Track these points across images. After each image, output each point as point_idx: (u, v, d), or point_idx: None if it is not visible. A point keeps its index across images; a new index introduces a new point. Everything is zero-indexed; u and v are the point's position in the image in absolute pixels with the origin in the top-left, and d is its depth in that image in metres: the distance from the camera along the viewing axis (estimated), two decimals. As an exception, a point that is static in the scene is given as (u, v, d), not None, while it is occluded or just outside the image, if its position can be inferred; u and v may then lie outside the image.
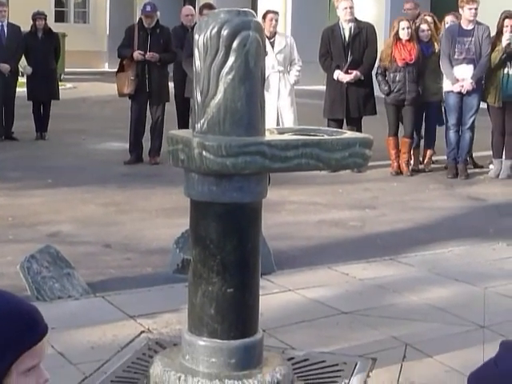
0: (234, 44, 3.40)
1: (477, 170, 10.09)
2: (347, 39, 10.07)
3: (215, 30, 3.41)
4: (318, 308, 4.98)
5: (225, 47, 3.40)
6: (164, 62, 10.51)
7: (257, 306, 3.71)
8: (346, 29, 10.09)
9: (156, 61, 10.29)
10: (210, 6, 10.64)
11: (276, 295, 5.20)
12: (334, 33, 10.18)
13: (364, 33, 10.13)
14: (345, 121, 10.20)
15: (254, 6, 22.57)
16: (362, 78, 10.01)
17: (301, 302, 5.13)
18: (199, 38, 3.47)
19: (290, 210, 7.98)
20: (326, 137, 3.69)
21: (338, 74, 10.02)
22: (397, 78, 9.70)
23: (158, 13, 10.64)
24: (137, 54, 10.23)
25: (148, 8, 10.48)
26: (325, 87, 10.53)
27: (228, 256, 3.55)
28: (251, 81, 3.44)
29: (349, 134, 4.06)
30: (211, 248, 3.56)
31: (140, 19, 10.65)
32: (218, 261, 3.55)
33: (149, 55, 10.23)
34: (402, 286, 5.46)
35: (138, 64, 10.29)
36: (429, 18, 10.36)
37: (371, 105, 10.18)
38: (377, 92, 10.13)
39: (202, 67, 3.47)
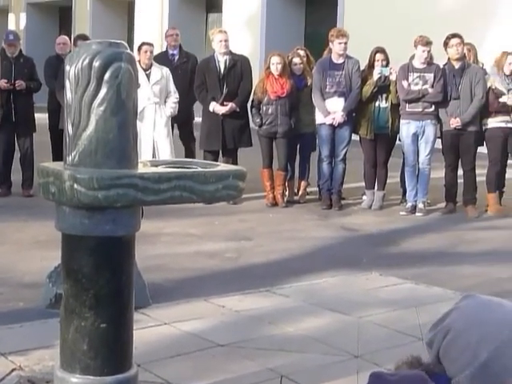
0: (106, 75, 3.36)
1: (350, 201, 10.29)
2: (222, 71, 10.14)
3: (87, 61, 3.37)
4: (194, 341, 4.94)
5: (96, 78, 3.36)
6: (30, 91, 10.33)
7: (131, 341, 3.65)
8: (222, 61, 10.17)
9: (23, 89, 10.10)
10: (84, 37, 10.53)
11: (151, 329, 5.14)
12: (210, 65, 10.24)
13: (239, 65, 10.23)
14: (221, 152, 10.24)
15: (130, 38, 22.49)
16: (238, 110, 10.08)
17: (176, 335, 5.08)
18: (70, 69, 3.42)
19: (166, 241, 7.92)
20: (199, 169, 3.68)
21: (214, 106, 10.07)
22: (269, 111, 9.82)
23: (21, 41, 10.49)
24: (2, 83, 10.02)
25: (11, 37, 10.31)
26: (201, 119, 10.57)
27: (101, 290, 3.48)
28: (123, 112, 3.41)
29: (222, 166, 4.06)
30: (83, 282, 3.49)
31: (3, 48, 10.44)
32: (91, 295, 3.48)
33: (17, 83, 10.03)
34: (277, 317, 5.48)
35: (3, 93, 10.07)
36: (301, 52, 10.55)
37: (246, 136, 10.25)
38: (252, 124, 10.22)
39: (73, 98, 3.41)
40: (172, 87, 10.06)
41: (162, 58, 11.03)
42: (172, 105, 10.02)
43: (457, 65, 9.48)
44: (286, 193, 10.21)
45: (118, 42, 3.52)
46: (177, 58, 11.23)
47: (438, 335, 1.65)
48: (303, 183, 10.38)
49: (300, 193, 10.38)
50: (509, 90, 9.33)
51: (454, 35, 9.49)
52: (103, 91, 3.36)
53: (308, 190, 10.54)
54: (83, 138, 3.38)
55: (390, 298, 6.06)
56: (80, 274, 3.49)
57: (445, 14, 16.17)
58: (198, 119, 11.06)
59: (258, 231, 8.54)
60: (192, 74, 10.61)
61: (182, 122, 10.84)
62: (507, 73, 9.37)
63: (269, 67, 9.86)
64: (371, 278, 6.66)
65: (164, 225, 8.45)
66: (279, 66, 9.79)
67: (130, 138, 3.45)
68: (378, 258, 7.48)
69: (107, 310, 3.51)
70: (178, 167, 3.75)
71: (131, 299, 3.62)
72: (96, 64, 3.36)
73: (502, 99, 9.32)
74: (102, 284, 3.48)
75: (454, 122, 9.37)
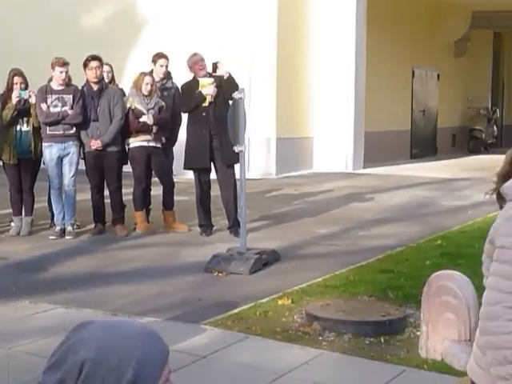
0: None
1: (-3, 229, 9.96)
2: None
3: None
4: None
5: None
6: None
7: None
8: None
9: None
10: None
11: None
12: None
13: None
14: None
15: None
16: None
17: None
18: None
19: None
20: None
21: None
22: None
23: None
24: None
25: None
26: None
27: None
28: None
29: None
30: None
31: None
32: None
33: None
34: None
35: None
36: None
37: None
38: None
39: None
40: None
41: None
42: None
43: (95, 86, 9.56)
44: None
45: None
46: None
47: (71, 373, 1.62)
48: None
49: None
50: (148, 110, 9.58)
51: (94, 57, 9.56)
52: None
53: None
54: None
55: (40, 325, 5.93)
56: None
57: (85, 36, 16.32)
58: None
59: None
60: None
61: None
62: (145, 93, 9.62)
63: None
64: (22, 307, 6.48)
65: None
66: None
67: None
68: (28, 285, 7.29)
69: None
70: None
71: None
72: None
73: (142, 119, 9.55)
74: None
75: (95, 144, 9.45)
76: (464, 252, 8.17)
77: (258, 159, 15.82)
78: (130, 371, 1.62)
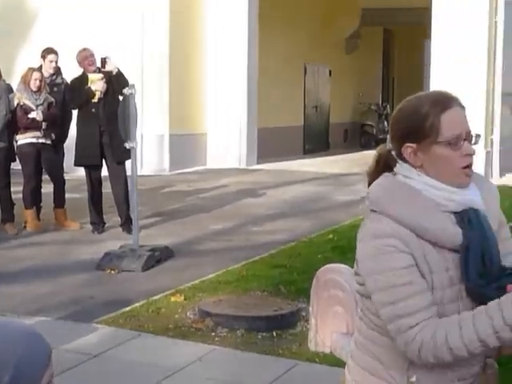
0: None
1: None
2: None
3: None
4: None
5: None
6: None
7: None
8: None
9: None
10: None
11: None
12: None
13: None
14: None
15: None
16: None
17: None
18: None
19: None
20: None
21: None
22: None
23: None
24: None
25: None
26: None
27: None
28: None
29: None
30: None
31: None
32: None
33: None
34: None
35: None
36: None
37: None
38: None
39: None
40: None
41: None
42: None
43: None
44: None
45: None
46: None
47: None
48: None
49: None
50: (37, 106, 9.39)
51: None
52: None
53: None
54: None
55: None
56: None
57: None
58: None
59: None
60: None
61: None
62: (34, 89, 9.42)
63: None
64: None
65: None
66: None
67: None
68: None
69: None
70: None
71: None
72: None
73: (31, 115, 9.36)
74: None
75: None
76: (355, 246, 8.28)
77: (151, 156, 15.72)
78: (8, 375, 1.57)
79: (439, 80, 14.76)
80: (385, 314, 2.26)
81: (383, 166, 2.41)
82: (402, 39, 26.92)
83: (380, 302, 2.27)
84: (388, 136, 2.43)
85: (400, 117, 2.36)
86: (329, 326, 5.16)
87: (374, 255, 2.28)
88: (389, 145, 2.42)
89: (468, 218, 2.30)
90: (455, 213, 2.30)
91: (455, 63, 15.05)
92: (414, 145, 2.30)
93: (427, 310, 2.21)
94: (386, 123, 24.89)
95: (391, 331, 2.26)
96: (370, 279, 2.29)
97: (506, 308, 2.11)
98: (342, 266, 5.29)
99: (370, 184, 2.42)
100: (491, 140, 15.55)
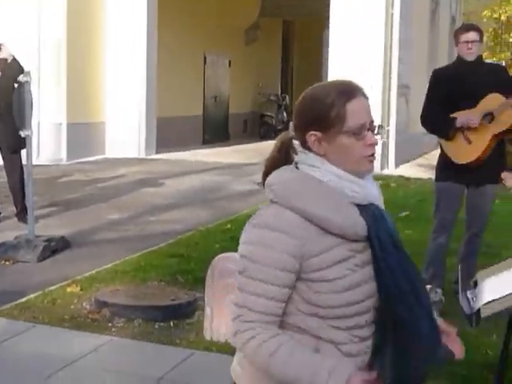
0: None
1: None
2: None
3: None
4: None
5: None
6: None
7: None
8: None
9: None
10: None
11: None
12: None
13: None
14: None
15: None
16: None
17: None
18: None
19: None
20: None
21: None
22: None
23: None
24: None
25: None
26: None
27: None
28: None
29: None
30: None
31: None
32: None
33: None
34: None
35: None
36: None
37: None
38: None
39: None
40: None
41: None
42: None
43: None
44: None
45: None
46: None
47: None
48: None
49: None
50: None
51: None
52: None
53: None
54: None
55: None
56: None
57: None
58: None
59: None
60: None
61: None
62: None
63: None
64: None
65: None
66: None
67: None
68: None
69: None
70: None
71: None
72: None
73: None
74: None
75: None
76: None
77: (47, 144, 15.46)
78: None
79: (336, 71, 14.98)
80: (236, 297, 2.28)
81: (285, 154, 2.40)
82: (301, 31, 27.16)
83: (238, 284, 2.28)
84: (291, 123, 2.39)
85: (305, 105, 2.32)
86: (224, 314, 5.20)
87: (256, 242, 2.27)
88: (291, 133, 2.39)
89: (371, 212, 2.30)
90: (358, 205, 2.29)
91: (352, 54, 15.31)
92: (318, 133, 2.28)
93: (269, 317, 2.23)
94: (285, 114, 25.08)
95: (231, 314, 2.28)
96: (241, 261, 2.29)
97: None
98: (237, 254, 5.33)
99: (267, 173, 2.41)
100: (387, 131, 15.89)
